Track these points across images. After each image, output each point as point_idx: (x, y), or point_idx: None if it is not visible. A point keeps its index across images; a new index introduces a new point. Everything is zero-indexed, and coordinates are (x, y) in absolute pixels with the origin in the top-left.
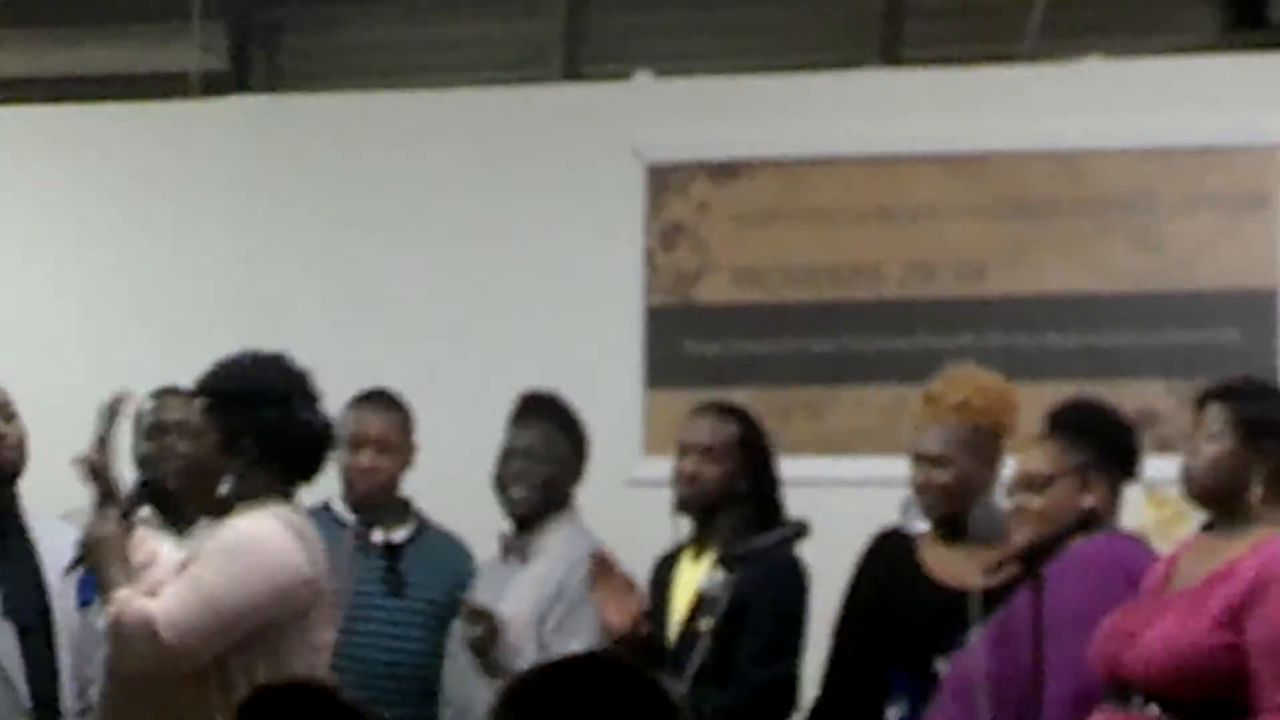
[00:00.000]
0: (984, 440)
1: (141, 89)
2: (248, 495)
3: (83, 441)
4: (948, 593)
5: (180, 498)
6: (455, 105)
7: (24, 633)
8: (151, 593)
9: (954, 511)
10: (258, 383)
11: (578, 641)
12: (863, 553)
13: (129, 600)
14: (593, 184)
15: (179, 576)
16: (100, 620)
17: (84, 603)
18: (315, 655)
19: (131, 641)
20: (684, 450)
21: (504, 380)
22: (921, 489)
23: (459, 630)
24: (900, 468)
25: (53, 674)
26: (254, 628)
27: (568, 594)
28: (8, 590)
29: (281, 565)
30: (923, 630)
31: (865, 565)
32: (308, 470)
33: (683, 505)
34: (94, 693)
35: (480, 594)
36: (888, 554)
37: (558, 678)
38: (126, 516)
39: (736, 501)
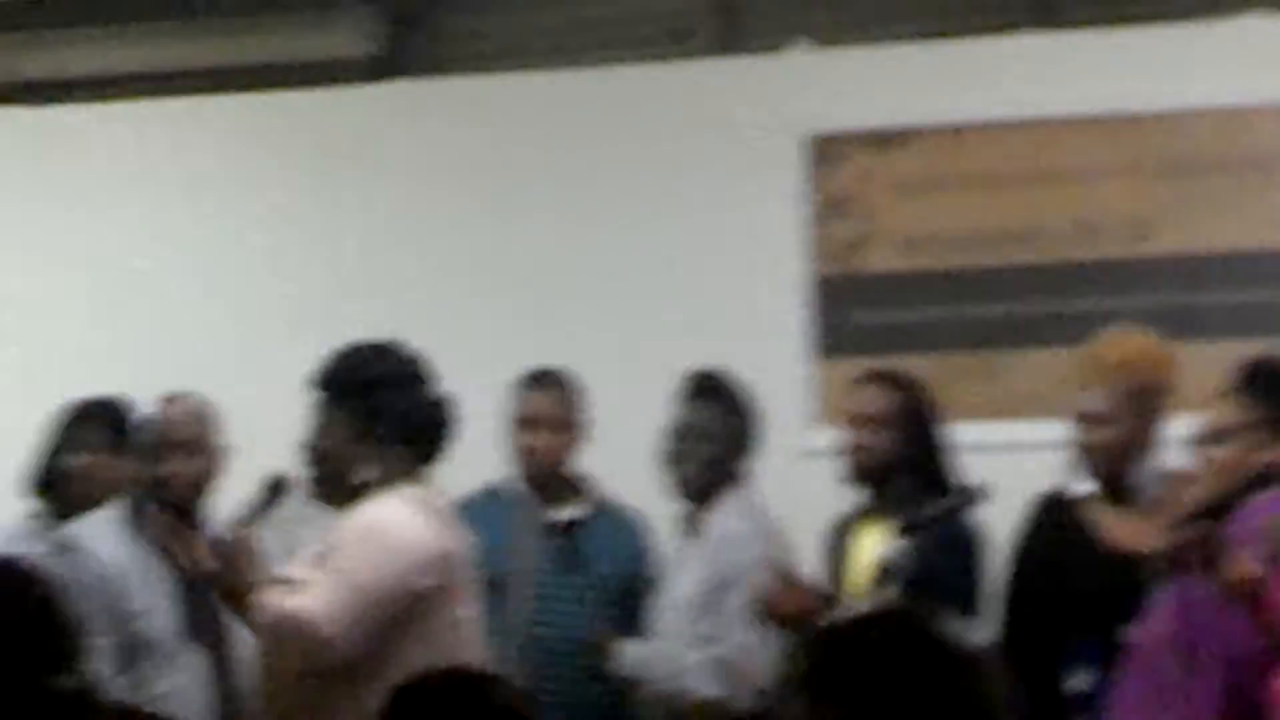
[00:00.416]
0: (1145, 399)
1: (298, 77)
2: (382, 482)
3: (241, 435)
4: (1123, 557)
5: (319, 489)
6: (613, 83)
7: (211, 655)
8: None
9: (1118, 471)
10: (378, 370)
11: (733, 623)
12: (1026, 518)
13: (279, 602)
14: (753, 157)
15: (322, 571)
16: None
17: None
18: (458, 631)
19: (291, 641)
20: (850, 421)
21: (671, 356)
22: (1085, 449)
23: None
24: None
25: (235, 695)
26: (399, 608)
27: (727, 573)
28: (193, 614)
29: (412, 543)
30: (1102, 598)
31: (1031, 532)
32: (433, 451)
33: (852, 476)
34: None
35: (670, 571)
36: (1053, 519)
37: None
38: (254, 516)
39: (906, 469)
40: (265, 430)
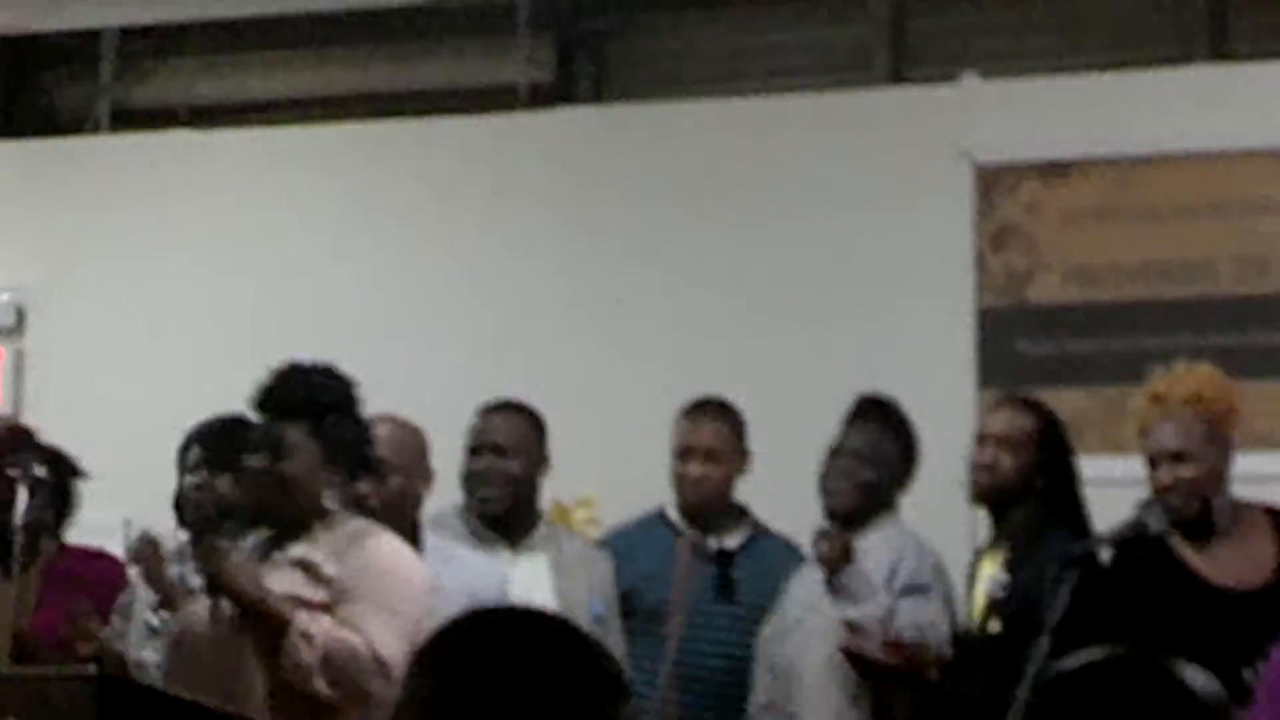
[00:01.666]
0: (1218, 433)
1: (469, 103)
2: (339, 511)
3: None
4: (1229, 595)
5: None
6: (781, 111)
7: None
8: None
9: (1201, 508)
10: (339, 396)
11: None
12: (1111, 564)
13: (340, 634)
14: (922, 187)
15: (363, 606)
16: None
17: None
18: None
19: (358, 676)
20: (981, 439)
21: (837, 383)
22: (1167, 487)
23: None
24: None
25: None
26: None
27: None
28: None
29: (425, 581)
30: (1218, 639)
31: (1121, 576)
32: (360, 479)
33: (974, 495)
34: None
35: (794, 591)
36: (1143, 561)
37: None
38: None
39: (1031, 496)
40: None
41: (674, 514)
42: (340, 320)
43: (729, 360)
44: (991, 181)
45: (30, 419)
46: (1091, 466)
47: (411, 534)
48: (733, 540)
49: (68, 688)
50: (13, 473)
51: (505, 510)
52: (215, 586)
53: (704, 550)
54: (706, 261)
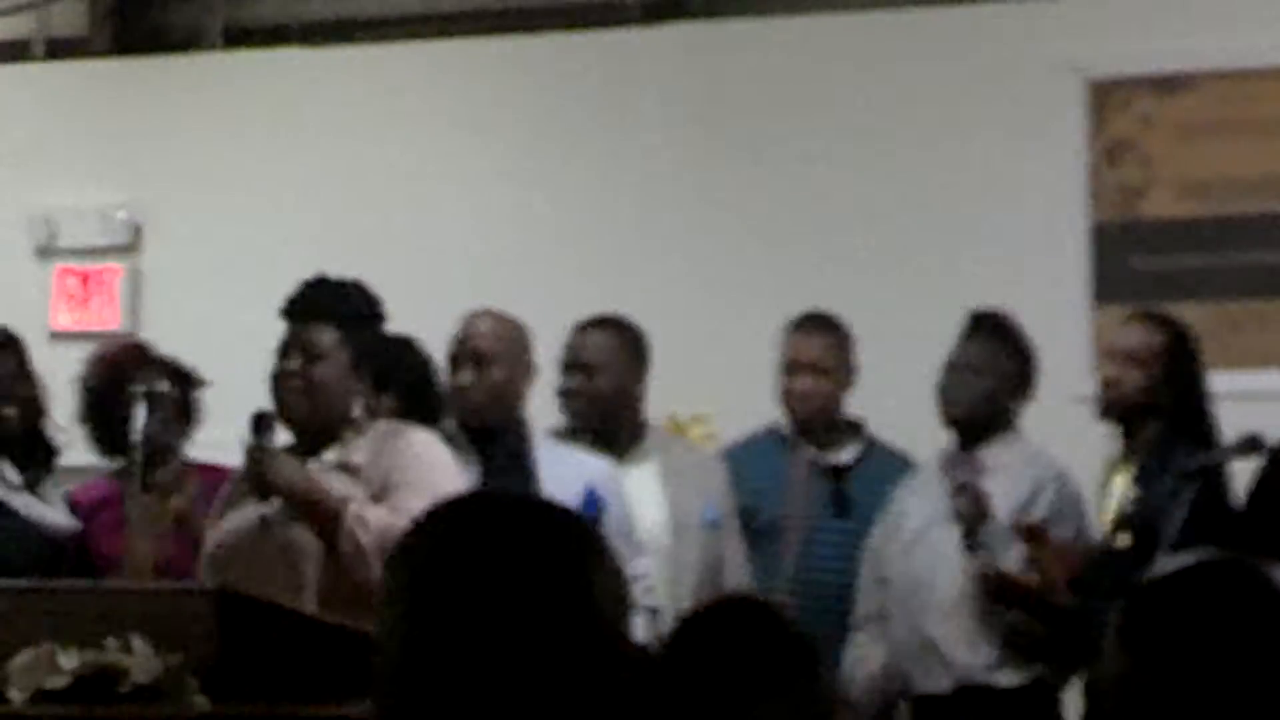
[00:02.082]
0: None
1: (580, 19)
2: (363, 419)
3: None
4: None
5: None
6: (893, 27)
7: None
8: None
9: None
10: (372, 307)
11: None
12: (1263, 474)
13: (390, 518)
14: (1035, 102)
15: (406, 491)
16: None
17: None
18: None
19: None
20: (1109, 355)
21: (950, 299)
22: None
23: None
24: None
25: None
26: None
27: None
28: None
29: (461, 474)
30: None
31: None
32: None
33: (1103, 411)
34: None
35: (909, 502)
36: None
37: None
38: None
39: (1160, 412)
40: None
41: (786, 429)
42: (452, 238)
43: (840, 278)
44: (1104, 96)
45: (147, 335)
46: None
47: (517, 426)
48: (846, 455)
49: (188, 603)
50: (134, 389)
51: (595, 426)
52: (265, 486)
53: (818, 465)
54: (818, 177)
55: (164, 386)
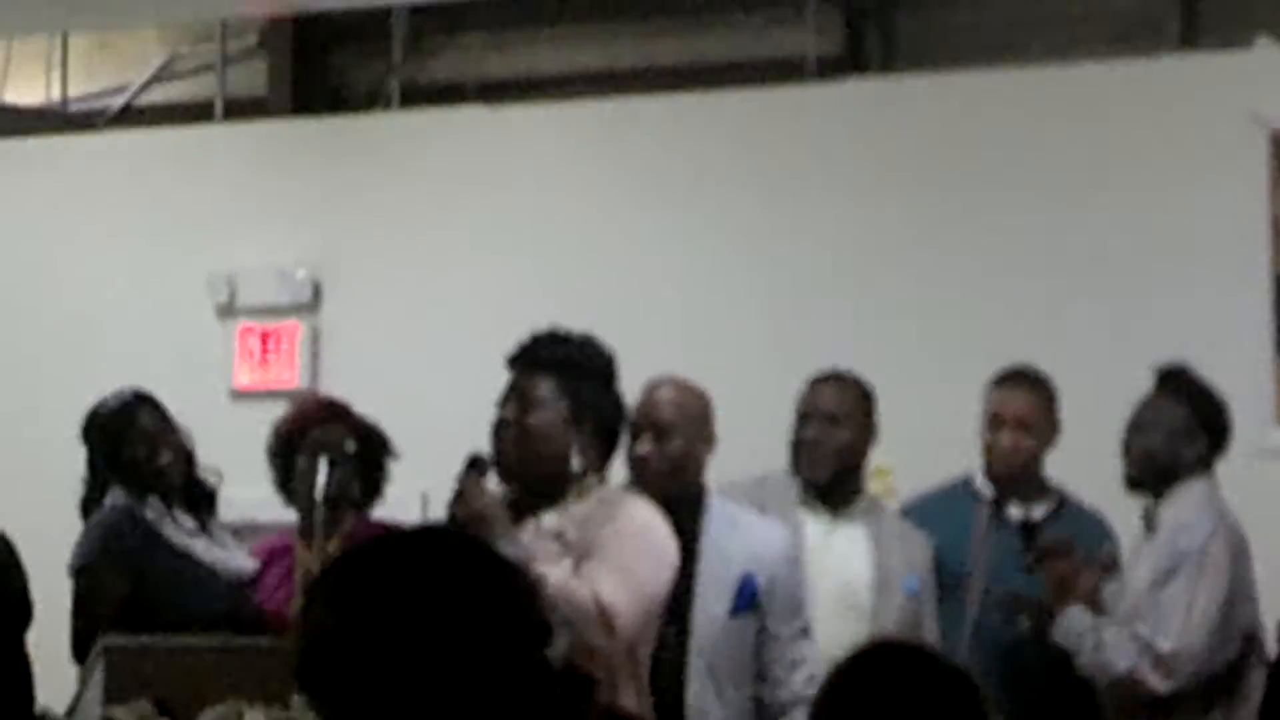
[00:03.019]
0: None
1: (758, 75)
2: (582, 474)
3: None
4: None
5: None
6: (1072, 79)
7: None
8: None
9: None
10: (599, 362)
11: (1171, 610)
12: None
13: (571, 584)
14: (1215, 154)
15: (599, 562)
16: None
17: (736, 610)
18: None
19: (582, 626)
20: None
21: (1135, 353)
22: None
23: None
24: None
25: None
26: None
27: (1176, 560)
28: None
29: (672, 549)
30: None
31: None
32: (614, 451)
33: None
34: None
35: (1127, 567)
36: None
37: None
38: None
39: None
40: None
41: (980, 482)
42: (627, 299)
43: (1025, 331)
44: None
45: (326, 392)
46: None
47: (695, 497)
48: (1038, 511)
49: None
50: (319, 447)
51: (830, 479)
52: (466, 523)
53: (1006, 518)
54: (999, 231)
55: (349, 445)
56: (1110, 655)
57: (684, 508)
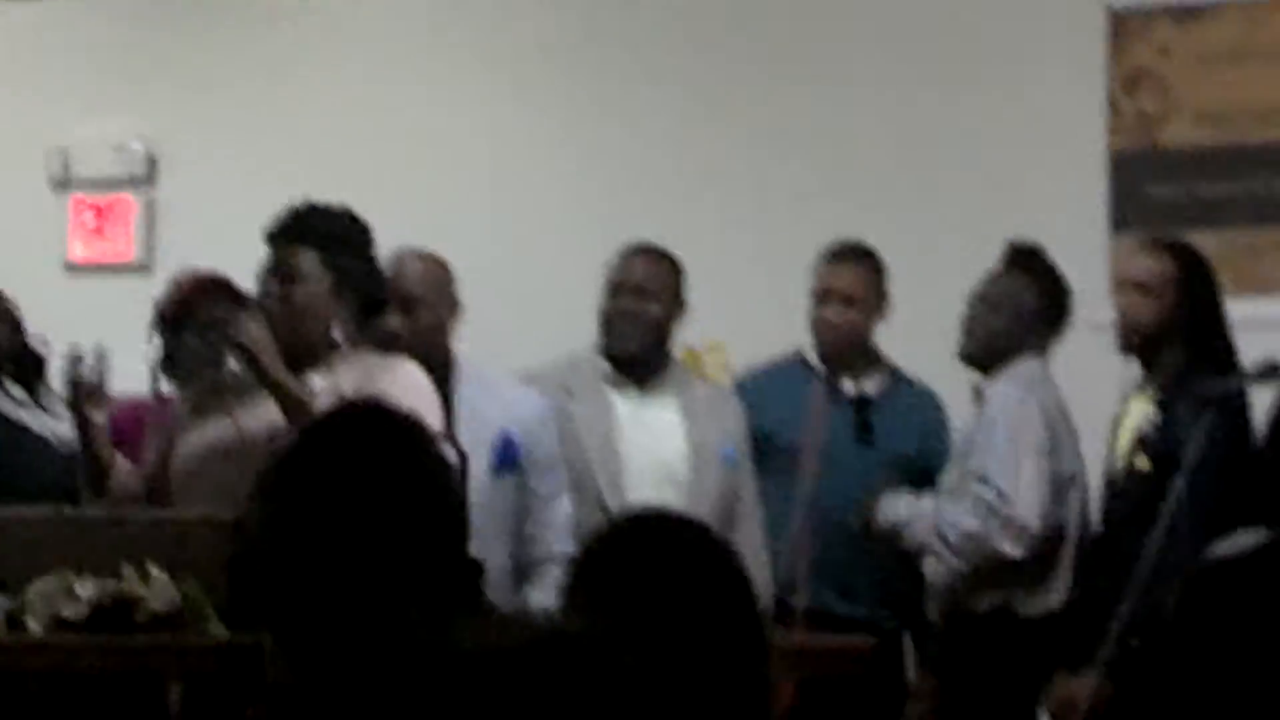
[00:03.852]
0: None
1: None
2: (352, 341)
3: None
4: None
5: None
6: None
7: None
8: None
9: None
10: (359, 232)
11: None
12: None
13: None
14: (1054, 29)
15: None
16: None
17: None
18: None
19: None
20: (1121, 285)
21: (969, 229)
22: None
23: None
24: None
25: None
26: None
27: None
28: None
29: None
30: None
31: None
32: (374, 322)
33: (1121, 342)
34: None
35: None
36: None
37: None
38: None
39: (1177, 340)
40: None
41: (812, 358)
42: (447, 174)
43: (857, 206)
44: (1124, 24)
45: (160, 269)
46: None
47: (444, 365)
48: (871, 385)
49: (205, 532)
50: (210, 322)
51: (639, 352)
52: (246, 357)
53: (840, 394)
54: (836, 104)
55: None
56: (953, 520)
57: (435, 375)
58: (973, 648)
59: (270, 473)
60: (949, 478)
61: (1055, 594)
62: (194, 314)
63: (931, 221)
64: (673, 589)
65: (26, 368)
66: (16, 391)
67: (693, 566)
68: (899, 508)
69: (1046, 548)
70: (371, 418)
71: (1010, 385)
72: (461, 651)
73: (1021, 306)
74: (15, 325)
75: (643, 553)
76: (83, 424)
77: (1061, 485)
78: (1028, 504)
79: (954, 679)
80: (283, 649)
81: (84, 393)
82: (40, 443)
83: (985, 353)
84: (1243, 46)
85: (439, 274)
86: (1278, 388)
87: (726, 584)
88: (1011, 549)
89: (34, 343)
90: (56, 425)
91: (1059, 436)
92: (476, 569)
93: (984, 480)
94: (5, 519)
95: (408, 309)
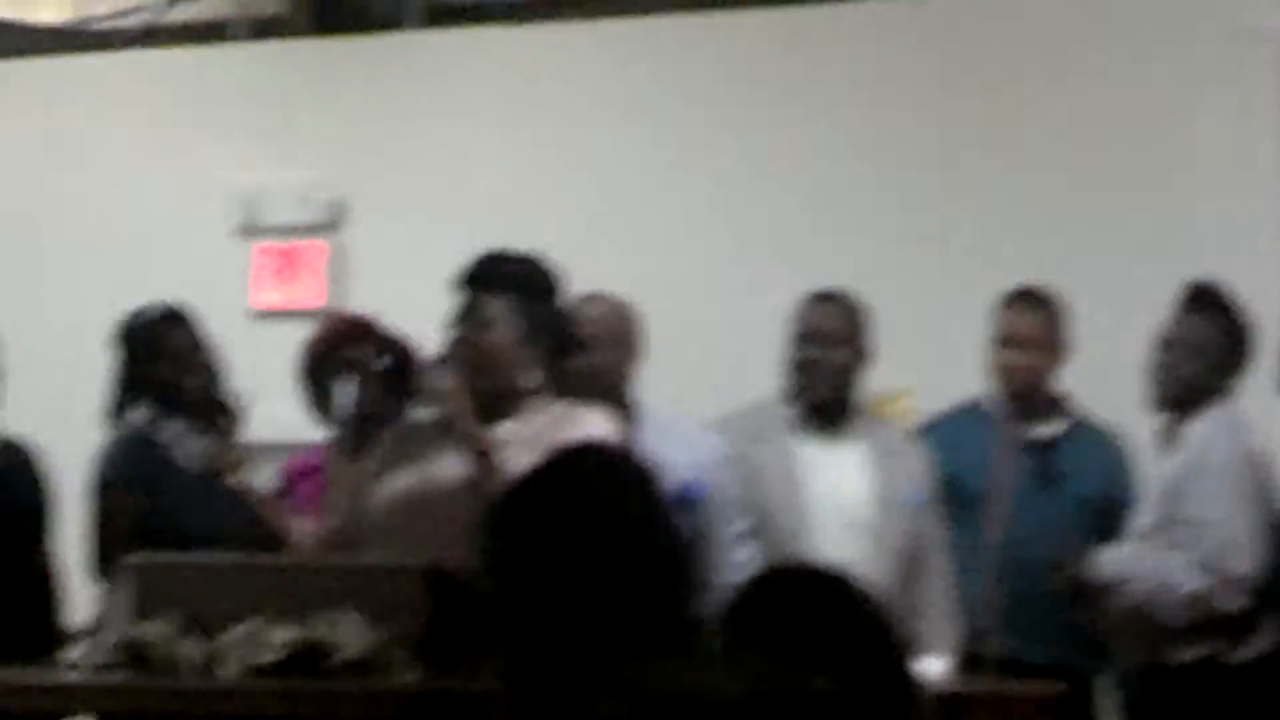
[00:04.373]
0: None
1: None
2: (537, 391)
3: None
4: None
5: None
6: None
7: None
8: None
9: None
10: (548, 279)
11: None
12: None
13: None
14: (1223, 64)
15: None
16: None
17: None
18: None
19: None
20: None
21: (1155, 270)
22: None
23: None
24: None
25: None
26: None
27: (1199, 468)
28: None
29: None
30: None
31: None
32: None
33: None
34: None
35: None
36: None
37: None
38: None
39: None
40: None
41: (991, 403)
42: (650, 218)
43: (1045, 250)
44: None
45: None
46: None
47: (622, 409)
48: (1053, 429)
49: (398, 578)
50: (347, 366)
51: (826, 399)
52: (460, 430)
53: (1023, 439)
54: (1023, 147)
55: (378, 362)
56: (1170, 581)
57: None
58: (1177, 697)
59: (499, 513)
60: (1144, 521)
61: (1263, 639)
62: (336, 355)
63: (1117, 264)
64: (813, 645)
65: (222, 419)
66: (203, 442)
67: (834, 621)
68: (1112, 564)
69: (1256, 595)
70: (598, 460)
71: (1213, 429)
72: (668, 695)
73: (1208, 348)
74: (214, 377)
75: (783, 608)
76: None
77: (1271, 529)
78: (1245, 554)
79: None
80: (509, 692)
81: (222, 468)
82: (230, 494)
83: (1177, 399)
84: None
85: (618, 317)
86: None
87: (870, 640)
88: (1232, 604)
89: (233, 396)
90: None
91: (1263, 480)
92: (696, 620)
93: (1197, 533)
94: (199, 565)
95: (587, 348)
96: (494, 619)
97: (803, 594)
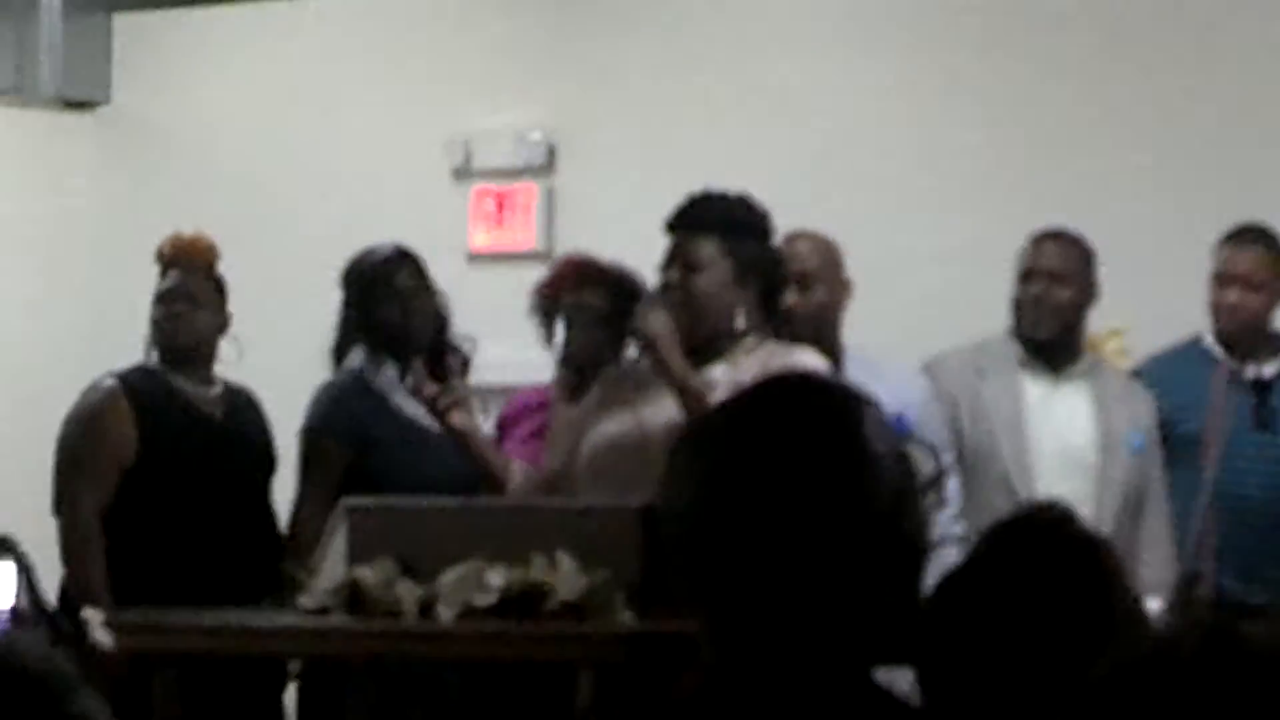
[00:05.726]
0: None
1: None
2: (747, 333)
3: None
4: None
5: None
6: None
7: None
8: None
9: None
10: (760, 219)
11: None
12: None
13: None
14: None
15: None
16: None
17: None
18: None
19: None
20: None
21: None
22: None
23: None
24: None
25: None
26: None
27: None
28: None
29: None
30: None
31: None
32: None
33: None
34: None
35: None
36: None
37: None
38: None
39: None
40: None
41: (1210, 342)
42: (857, 149)
43: (1256, 188)
44: None
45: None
46: None
47: (833, 348)
48: (1270, 369)
49: (614, 520)
50: (564, 310)
51: (1052, 337)
52: (665, 373)
53: (1241, 378)
54: (1231, 91)
55: (595, 306)
56: None
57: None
58: None
59: (703, 443)
60: None
61: None
62: (567, 298)
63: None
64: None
65: (441, 363)
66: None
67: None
68: None
69: None
70: (808, 389)
71: None
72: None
73: None
74: (440, 321)
75: (1033, 560)
76: (457, 436)
77: None
78: None
79: None
80: (715, 631)
81: (442, 408)
82: (435, 439)
83: None
84: None
85: (830, 253)
86: None
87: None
88: None
89: (459, 340)
90: None
91: None
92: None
93: None
94: (416, 509)
95: (801, 286)
96: (683, 552)
97: (1054, 545)
